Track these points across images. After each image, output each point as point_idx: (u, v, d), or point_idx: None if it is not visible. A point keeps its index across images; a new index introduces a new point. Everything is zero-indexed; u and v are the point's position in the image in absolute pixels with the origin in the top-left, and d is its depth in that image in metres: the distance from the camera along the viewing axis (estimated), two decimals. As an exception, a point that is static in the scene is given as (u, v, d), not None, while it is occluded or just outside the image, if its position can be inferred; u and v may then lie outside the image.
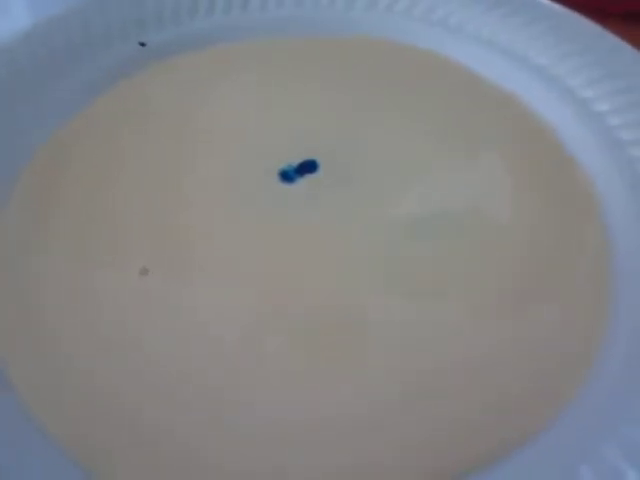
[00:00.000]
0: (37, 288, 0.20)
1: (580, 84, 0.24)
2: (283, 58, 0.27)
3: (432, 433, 0.17)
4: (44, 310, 0.19)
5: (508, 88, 0.26)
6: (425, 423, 0.17)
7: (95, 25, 0.25)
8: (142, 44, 0.26)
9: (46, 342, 0.18)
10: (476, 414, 0.17)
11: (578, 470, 0.15)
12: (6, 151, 0.23)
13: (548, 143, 0.24)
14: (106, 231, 0.21)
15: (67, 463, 0.16)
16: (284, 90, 0.26)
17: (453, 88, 0.26)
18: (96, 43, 0.25)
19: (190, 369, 0.18)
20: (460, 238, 0.21)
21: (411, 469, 0.16)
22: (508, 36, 0.26)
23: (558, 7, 0.26)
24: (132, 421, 0.17)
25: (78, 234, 0.21)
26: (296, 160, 0.23)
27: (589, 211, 0.22)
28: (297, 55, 0.27)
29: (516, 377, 0.18)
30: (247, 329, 0.19)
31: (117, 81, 0.25)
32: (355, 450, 0.17)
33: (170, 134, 0.24)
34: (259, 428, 0.17)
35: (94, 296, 0.19)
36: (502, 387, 0.18)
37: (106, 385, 0.18)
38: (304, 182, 0.22)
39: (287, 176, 0.22)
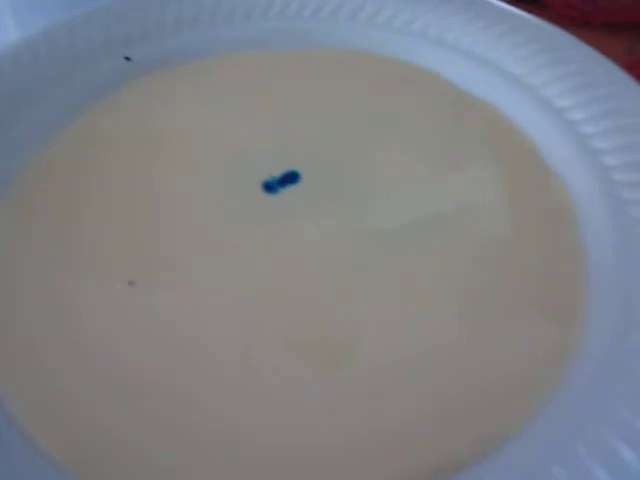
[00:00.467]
0: (23, 303, 0.20)
1: (555, 94, 0.25)
2: (265, 70, 0.28)
3: (411, 434, 0.17)
4: (28, 324, 0.19)
5: (485, 98, 0.26)
6: (405, 424, 0.18)
7: (81, 40, 0.26)
8: (127, 58, 0.26)
9: (29, 356, 0.19)
10: (454, 414, 0.18)
11: (551, 471, 0.16)
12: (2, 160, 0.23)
13: (524, 152, 0.24)
14: (91, 245, 0.21)
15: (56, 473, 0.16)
16: (266, 102, 0.26)
17: (431, 98, 0.27)
18: (82, 58, 0.26)
19: (176, 383, 0.18)
20: (439, 245, 0.22)
21: (389, 468, 0.17)
22: (485, 47, 0.27)
23: (535, 19, 0.27)
24: (119, 435, 0.17)
25: (63, 248, 0.21)
26: (279, 171, 0.23)
27: (564, 218, 0.22)
28: (278, 67, 0.28)
29: (491, 380, 0.18)
30: (233, 338, 0.19)
31: (102, 96, 0.26)
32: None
33: (153, 147, 0.24)
34: (252, 450, 0.17)
35: (80, 310, 0.20)
36: (479, 389, 0.18)
37: (92, 397, 0.18)
38: (286, 193, 0.23)
39: (270, 187, 0.23)
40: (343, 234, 0.22)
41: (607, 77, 0.25)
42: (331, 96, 0.27)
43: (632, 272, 0.20)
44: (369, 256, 0.21)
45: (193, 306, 0.20)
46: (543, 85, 0.25)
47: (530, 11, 0.28)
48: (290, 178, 0.23)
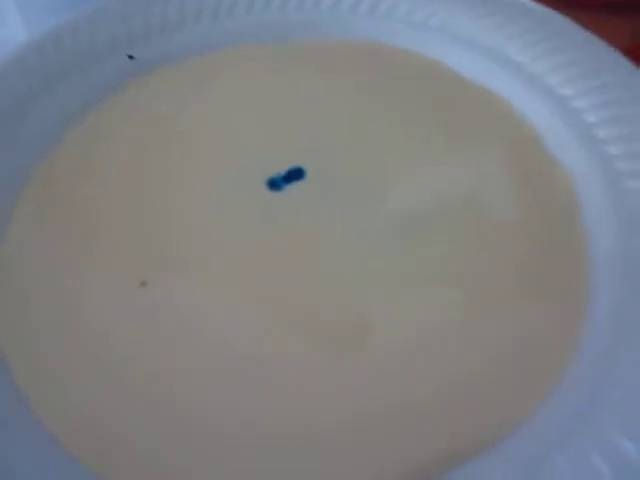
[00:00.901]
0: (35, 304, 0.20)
1: (558, 82, 0.25)
2: (268, 64, 0.28)
3: (418, 416, 0.18)
4: (40, 325, 0.20)
5: (488, 86, 0.26)
6: (411, 406, 0.18)
7: (84, 40, 0.26)
8: (130, 57, 0.26)
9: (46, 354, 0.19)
10: (457, 399, 0.18)
11: (554, 460, 0.16)
12: (6, 168, 0.23)
13: (528, 140, 0.25)
14: (100, 246, 0.22)
15: (79, 469, 0.17)
16: (269, 97, 0.26)
17: (435, 88, 0.27)
18: (86, 58, 0.26)
19: (191, 379, 0.19)
20: (445, 234, 0.22)
21: (394, 452, 0.17)
22: (487, 35, 0.27)
23: (538, 6, 0.27)
24: (137, 433, 0.18)
25: (72, 249, 0.22)
26: (283, 168, 0.23)
27: (568, 206, 0.23)
28: (282, 61, 0.28)
29: (494, 365, 0.19)
30: (247, 334, 0.20)
31: (107, 96, 0.26)
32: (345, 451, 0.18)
33: (158, 146, 0.25)
34: (264, 435, 0.18)
35: (92, 311, 0.20)
36: (482, 374, 0.19)
37: (110, 396, 0.18)
38: (292, 189, 0.23)
39: (275, 184, 0.23)
40: (350, 227, 0.22)
41: (609, 65, 0.24)
42: (334, 90, 0.27)
43: (635, 260, 0.20)
44: (376, 246, 0.22)
45: (205, 302, 0.20)
46: (546, 73, 0.25)
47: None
48: (295, 175, 0.23)
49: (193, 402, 0.18)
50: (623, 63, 0.24)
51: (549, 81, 0.25)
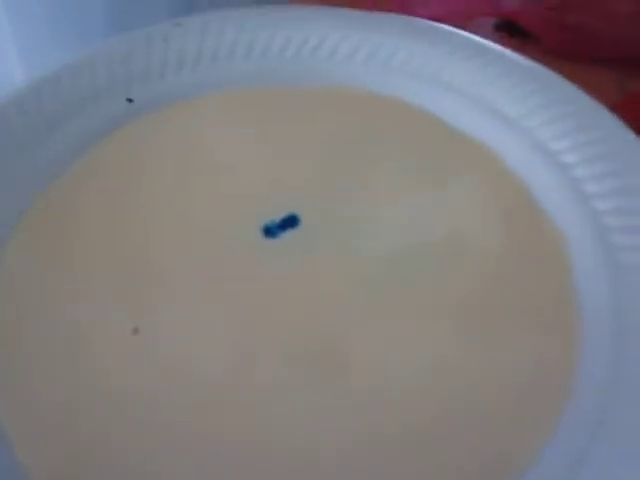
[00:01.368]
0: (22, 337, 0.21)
1: (549, 137, 0.26)
2: (263, 108, 0.28)
3: (408, 449, 0.18)
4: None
5: (479, 138, 0.27)
6: (402, 437, 0.18)
7: (84, 83, 0.26)
8: (129, 100, 0.27)
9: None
10: (453, 431, 0.19)
11: None
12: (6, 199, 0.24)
13: (517, 193, 0.25)
14: (91, 292, 0.22)
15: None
16: (263, 141, 0.27)
17: (426, 137, 0.27)
18: (85, 100, 0.26)
19: (174, 398, 0.19)
20: (443, 286, 0.22)
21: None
22: (479, 87, 0.28)
23: (528, 61, 0.28)
24: (119, 464, 0.18)
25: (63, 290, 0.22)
26: (278, 215, 0.24)
27: (556, 261, 0.23)
28: (275, 105, 0.28)
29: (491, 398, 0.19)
30: (235, 373, 0.20)
31: (103, 136, 0.26)
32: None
33: (153, 189, 0.25)
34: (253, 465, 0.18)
35: (80, 347, 0.20)
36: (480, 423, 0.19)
37: (92, 429, 0.19)
38: (287, 236, 0.23)
39: (270, 232, 0.23)
40: (343, 274, 0.23)
41: (597, 120, 0.25)
42: (328, 136, 0.27)
43: (625, 313, 0.21)
44: (370, 298, 0.22)
45: (195, 346, 0.21)
46: (536, 128, 0.26)
47: (522, 45, 0.29)
48: (290, 222, 0.23)
49: (176, 417, 0.19)
50: (610, 119, 0.25)
51: (539, 135, 0.26)
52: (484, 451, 0.18)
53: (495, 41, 0.29)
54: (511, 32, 0.35)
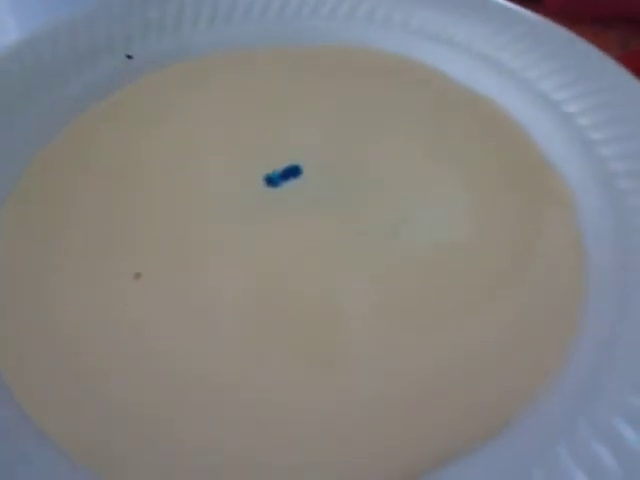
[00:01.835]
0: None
1: (551, 88, 0.25)
2: (266, 66, 0.28)
3: (400, 434, 0.18)
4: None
5: (482, 92, 0.27)
6: (393, 424, 0.18)
7: (82, 39, 0.26)
8: (129, 56, 0.26)
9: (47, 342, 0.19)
10: (442, 414, 0.18)
11: (531, 473, 0.16)
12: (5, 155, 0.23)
13: (522, 144, 0.25)
14: (94, 244, 0.22)
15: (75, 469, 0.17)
16: (267, 98, 0.27)
17: (429, 92, 0.27)
18: (83, 57, 0.26)
19: (190, 368, 0.19)
20: (441, 238, 0.22)
21: (371, 468, 0.17)
22: (482, 41, 0.27)
23: (531, 14, 0.28)
24: (133, 421, 0.18)
25: (61, 249, 0.22)
26: (280, 165, 0.23)
27: (562, 209, 0.23)
28: (279, 63, 0.28)
29: (483, 377, 0.19)
30: (239, 324, 0.20)
31: (104, 94, 0.26)
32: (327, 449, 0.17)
33: (157, 142, 0.25)
34: (257, 424, 0.18)
35: (92, 300, 0.20)
36: (470, 385, 0.19)
37: (104, 384, 0.18)
38: (289, 186, 0.23)
39: (272, 181, 0.23)
40: (343, 225, 0.22)
41: (602, 70, 0.25)
42: (332, 92, 0.27)
43: (630, 261, 0.21)
44: (368, 250, 0.22)
45: (195, 304, 0.20)
46: (539, 79, 0.26)
47: (526, 7, 0.29)
48: (292, 172, 0.23)
49: (176, 411, 0.18)
50: (614, 68, 0.25)
51: (541, 86, 0.26)
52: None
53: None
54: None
